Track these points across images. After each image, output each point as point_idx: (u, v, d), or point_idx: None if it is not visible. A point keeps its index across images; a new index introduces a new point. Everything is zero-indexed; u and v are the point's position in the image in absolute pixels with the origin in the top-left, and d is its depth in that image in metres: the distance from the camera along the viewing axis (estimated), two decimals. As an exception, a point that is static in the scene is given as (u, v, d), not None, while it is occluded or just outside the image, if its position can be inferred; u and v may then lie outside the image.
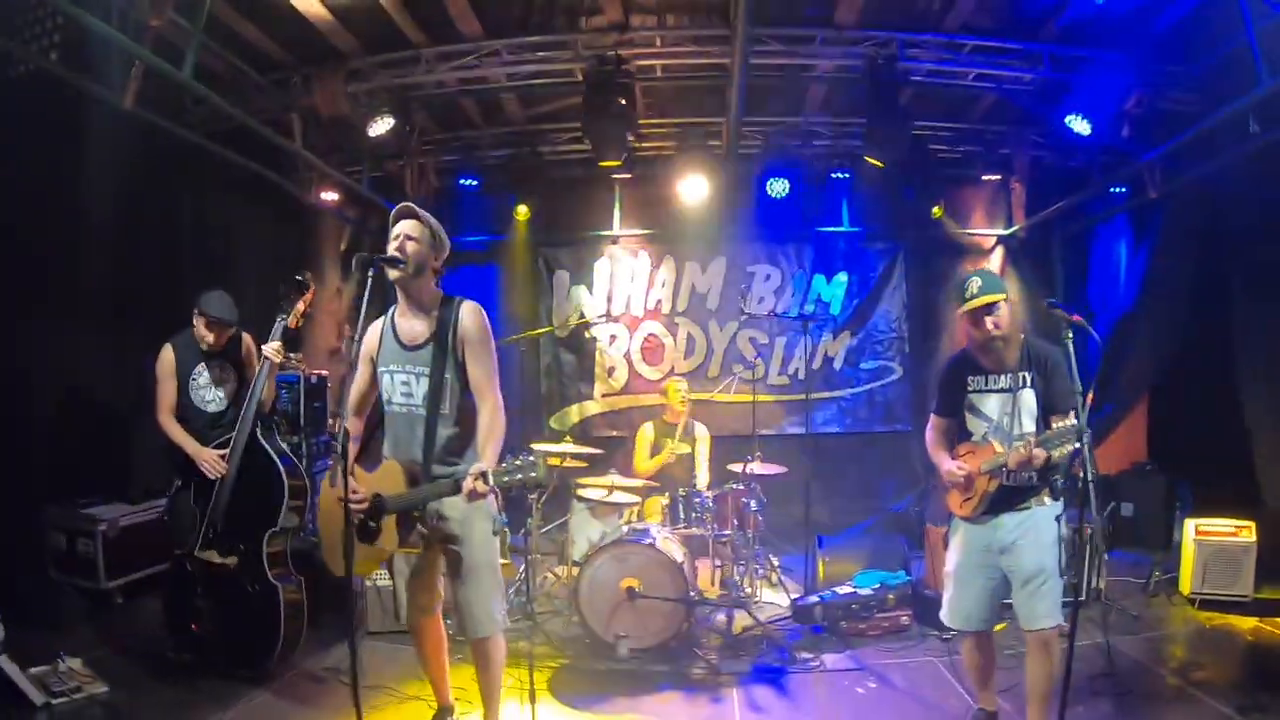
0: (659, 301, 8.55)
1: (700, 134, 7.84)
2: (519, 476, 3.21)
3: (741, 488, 6.08)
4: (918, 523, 7.05)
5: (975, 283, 3.79)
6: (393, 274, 3.51)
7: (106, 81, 5.11)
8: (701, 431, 6.87)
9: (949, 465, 3.94)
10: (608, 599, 5.19)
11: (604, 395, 8.58)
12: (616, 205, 8.58)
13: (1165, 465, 8.13)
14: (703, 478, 6.61)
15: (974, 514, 3.87)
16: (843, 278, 8.51)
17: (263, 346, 4.59)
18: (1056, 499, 3.80)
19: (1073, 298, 8.65)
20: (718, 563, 5.99)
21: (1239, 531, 6.17)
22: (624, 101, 6.44)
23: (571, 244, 8.65)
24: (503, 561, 3.58)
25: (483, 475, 3.19)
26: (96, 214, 5.67)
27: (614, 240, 8.61)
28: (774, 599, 6.22)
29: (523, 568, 5.99)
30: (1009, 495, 3.74)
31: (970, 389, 3.91)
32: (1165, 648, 5.49)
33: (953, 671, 4.99)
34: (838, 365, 8.54)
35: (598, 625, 5.20)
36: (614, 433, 7.32)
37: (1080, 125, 6.34)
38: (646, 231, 8.60)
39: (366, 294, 3.30)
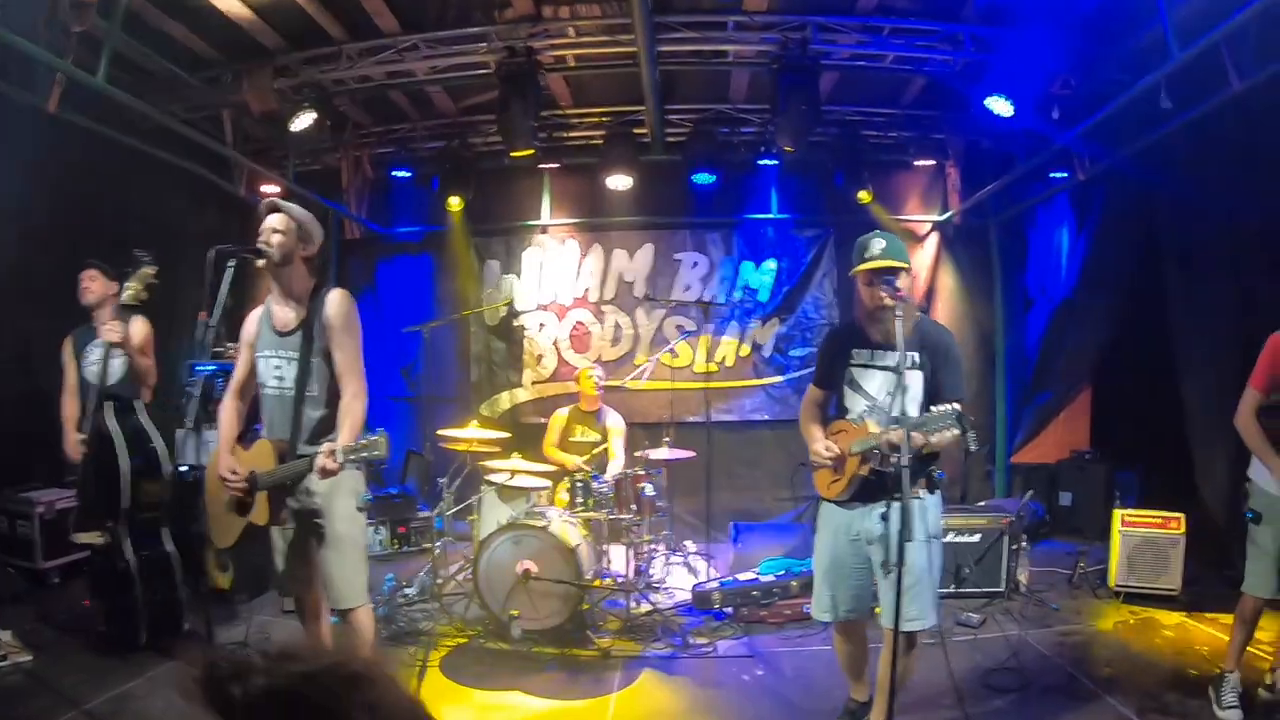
0: (586, 289, 8.53)
1: (627, 123, 7.82)
2: (364, 454, 3.34)
3: (642, 473, 6.08)
4: None
5: (879, 244, 3.49)
6: (261, 265, 3.64)
7: (31, 87, 5.28)
8: (615, 420, 6.90)
9: (818, 444, 3.66)
10: (504, 581, 5.24)
11: (533, 383, 8.58)
12: (546, 195, 8.60)
13: (1107, 454, 8.05)
14: (616, 465, 6.57)
15: (840, 497, 3.63)
16: (771, 265, 8.42)
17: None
18: (934, 491, 3.59)
19: (1011, 285, 8.60)
20: (628, 547, 5.92)
21: (1168, 523, 5.97)
22: (532, 93, 6.47)
23: (502, 233, 8.65)
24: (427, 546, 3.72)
25: (331, 453, 3.32)
26: (39, 213, 5.79)
27: (543, 229, 8.62)
28: (686, 585, 6.21)
29: (438, 549, 6.15)
30: (881, 481, 3.44)
31: (854, 362, 3.64)
32: (1078, 642, 5.32)
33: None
34: (766, 353, 8.45)
35: (495, 606, 5.26)
36: (543, 420, 7.30)
37: (1001, 106, 6.18)
38: (575, 220, 8.60)
39: (225, 285, 3.47)
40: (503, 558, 5.26)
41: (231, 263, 3.48)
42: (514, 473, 5.91)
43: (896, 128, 8.03)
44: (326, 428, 3.63)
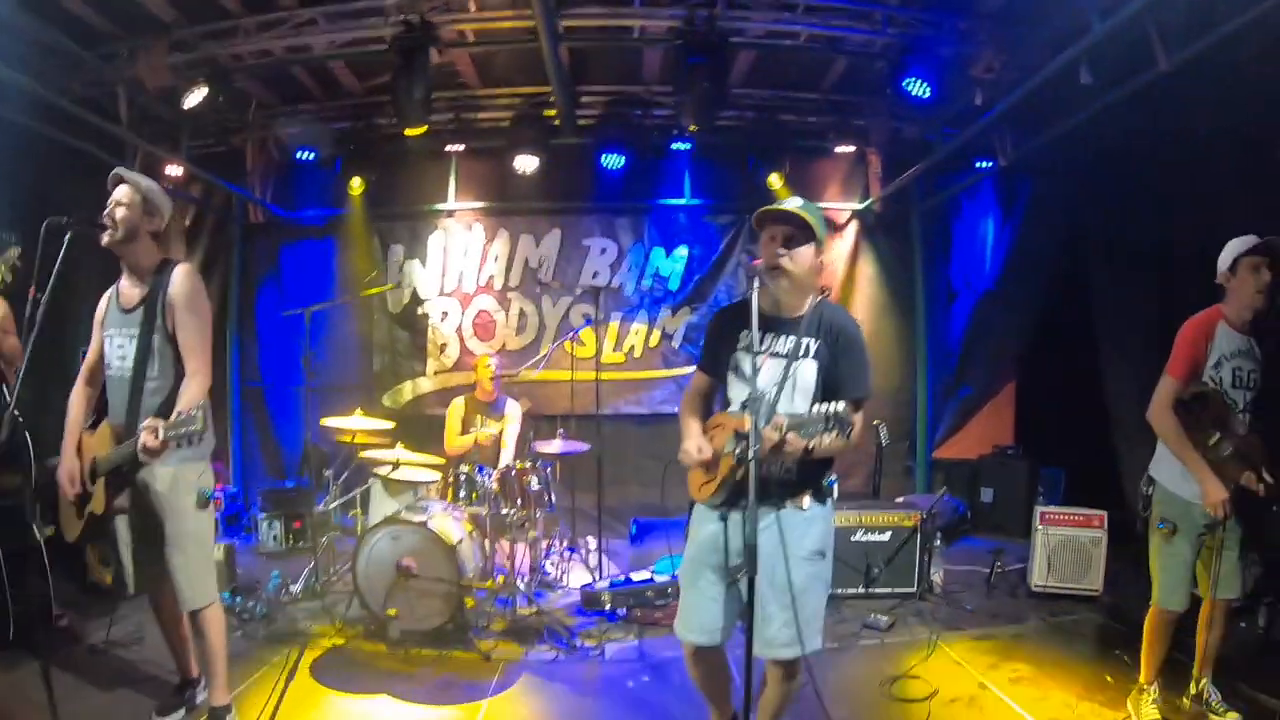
0: (491, 276, 8.22)
1: (537, 104, 7.50)
2: (183, 430, 3.14)
3: (527, 466, 5.79)
4: None
5: (795, 201, 3.12)
6: (105, 240, 3.51)
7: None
8: (513, 409, 6.67)
9: (690, 441, 3.19)
10: (383, 579, 5.00)
11: (436, 372, 8.27)
12: (452, 178, 8.26)
13: (1031, 450, 7.90)
14: (507, 456, 6.32)
15: (712, 501, 3.16)
16: (683, 252, 8.14)
17: None
18: (822, 501, 3.15)
19: (934, 275, 8.39)
20: (512, 543, 5.73)
21: (1089, 521, 5.82)
22: (424, 67, 6.11)
23: (407, 217, 8.30)
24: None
25: (154, 430, 3.14)
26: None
27: (449, 214, 8.29)
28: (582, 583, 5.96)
29: (324, 544, 5.96)
30: (759, 486, 2.85)
31: (741, 345, 3.15)
32: (991, 646, 5.07)
33: (738, 667, 4.55)
34: (676, 343, 8.17)
35: (375, 605, 5.02)
36: (445, 410, 6.71)
37: (919, 89, 5.92)
38: (482, 205, 8.27)
39: (59, 261, 3.25)
40: (381, 555, 5.01)
41: (68, 236, 3.29)
42: (397, 464, 5.63)
43: (816, 113, 7.73)
44: (163, 410, 3.42)
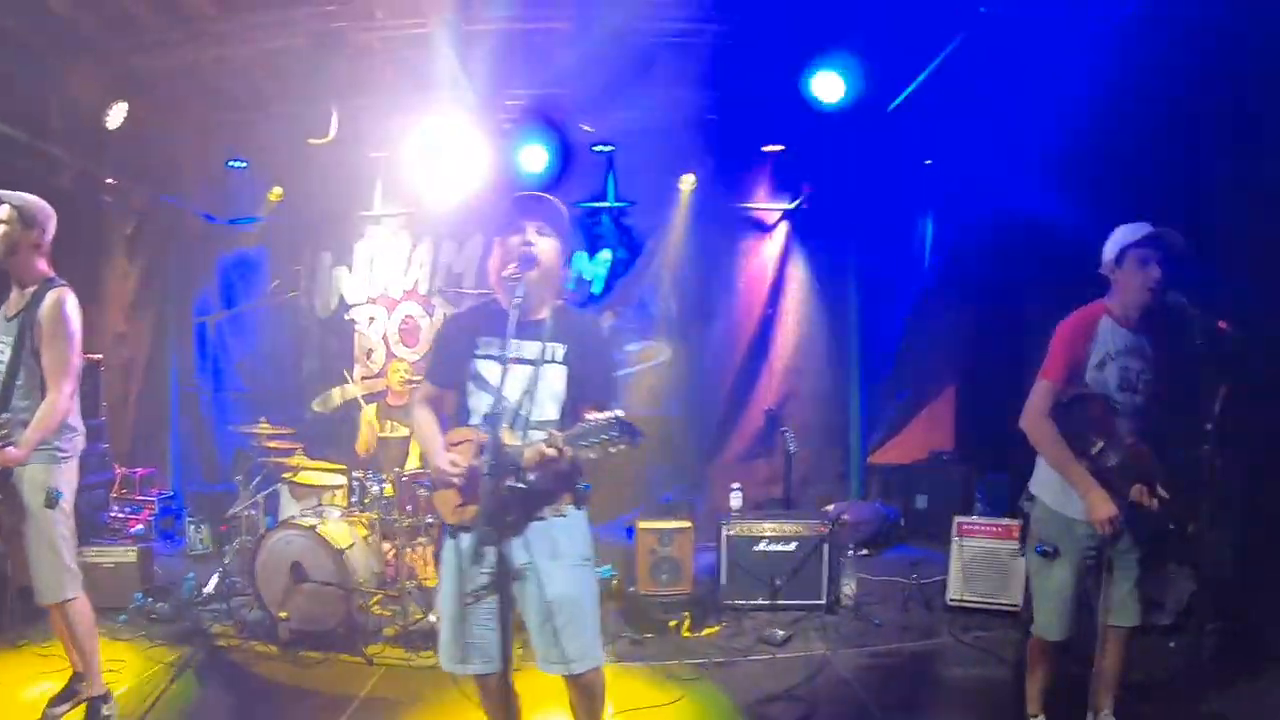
0: (416, 282, 8.25)
1: (461, 107, 7.17)
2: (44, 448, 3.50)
3: (420, 471, 5.72)
4: (689, 513, 6.46)
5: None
6: None
7: None
8: None
9: (440, 458, 2.95)
10: (278, 581, 5.08)
11: (364, 378, 8.23)
12: (378, 184, 8.21)
13: (968, 456, 7.62)
14: (411, 462, 6.27)
15: (468, 522, 2.87)
16: (606, 255, 8.08)
17: None
18: (580, 507, 3.04)
19: (868, 276, 8.14)
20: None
21: (1009, 532, 5.45)
22: (328, 77, 6.19)
23: (334, 224, 8.34)
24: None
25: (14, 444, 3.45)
26: None
27: (375, 220, 8.33)
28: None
29: (235, 547, 5.90)
30: (521, 500, 2.76)
31: (481, 352, 2.96)
32: (889, 665, 4.88)
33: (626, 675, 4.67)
34: None
35: (272, 606, 5.10)
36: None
37: (829, 86, 5.94)
38: (406, 211, 8.27)
39: None
40: (276, 557, 5.10)
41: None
42: (299, 468, 5.79)
43: (743, 111, 7.41)
44: (28, 420, 3.65)
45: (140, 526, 7.06)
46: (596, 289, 8.02)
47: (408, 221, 8.26)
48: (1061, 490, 3.37)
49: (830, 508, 6.80)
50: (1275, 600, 4.53)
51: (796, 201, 8.01)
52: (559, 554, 2.90)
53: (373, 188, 8.20)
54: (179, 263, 8.45)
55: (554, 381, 2.90)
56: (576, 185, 7.83)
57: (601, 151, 7.73)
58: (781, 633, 5.13)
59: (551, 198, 2.98)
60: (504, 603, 2.72)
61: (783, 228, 8.10)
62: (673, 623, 5.34)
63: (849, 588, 5.69)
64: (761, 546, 5.64)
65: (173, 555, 6.81)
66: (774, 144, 7.71)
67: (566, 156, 7.35)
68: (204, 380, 8.40)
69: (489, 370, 2.90)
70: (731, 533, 5.72)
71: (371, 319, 8.20)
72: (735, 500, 6.66)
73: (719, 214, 7.96)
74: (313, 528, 5.06)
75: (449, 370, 3.06)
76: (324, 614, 5.00)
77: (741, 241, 8.03)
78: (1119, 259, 3.37)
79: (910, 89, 5.89)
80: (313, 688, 4.49)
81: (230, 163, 7.85)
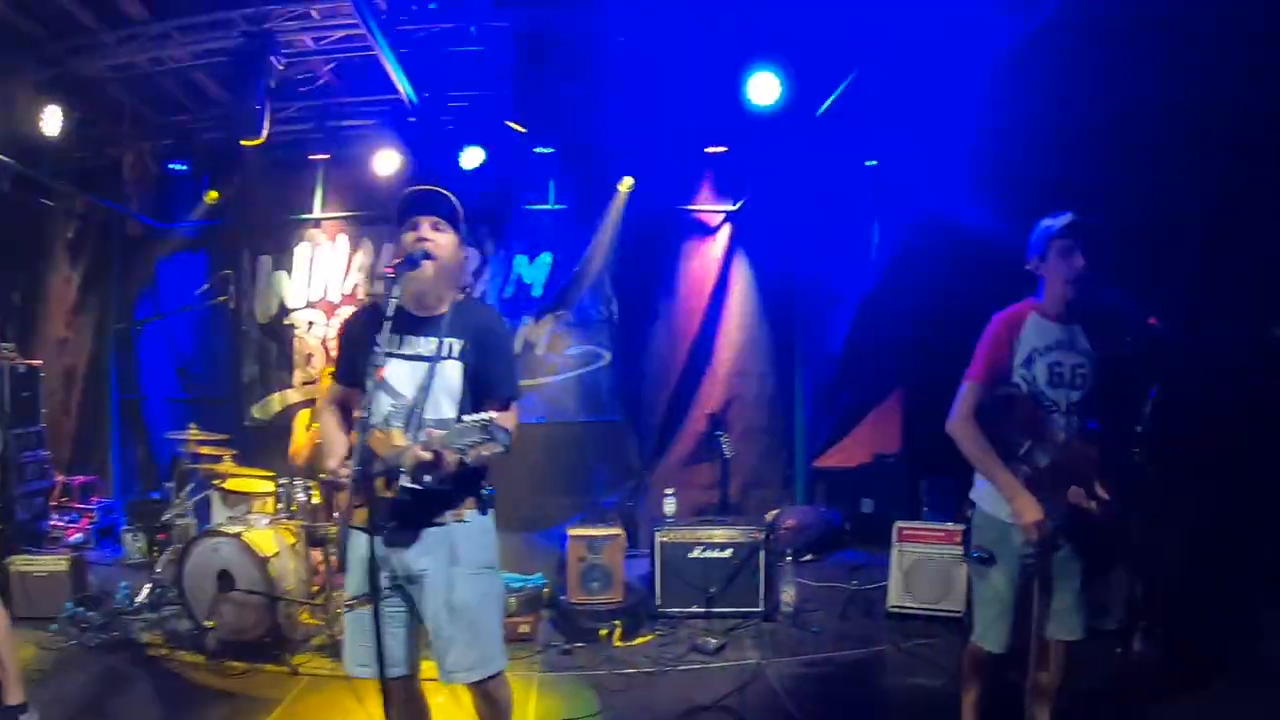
0: (356, 285, 8.15)
1: (399, 110, 7.19)
2: None
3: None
4: (624, 519, 6.42)
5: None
6: None
7: None
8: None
9: (332, 460, 2.95)
10: (205, 589, 5.00)
11: (303, 383, 8.17)
12: (318, 187, 8.18)
13: (915, 459, 7.43)
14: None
15: (367, 523, 2.73)
16: (546, 258, 8.03)
17: None
18: (484, 512, 2.93)
19: (813, 279, 8.06)
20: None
21: (951, 537, 5.34)
22: (256, 78, 6.03)
23: (274, 228, 8.24)
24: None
25: None
26: None
27: (315, 224, 8.23)
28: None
29: (166, 555, 5.76)
30: (418, 504, 2.72)
31: (379, 349, 2.78)
32: (822, 674, 4.75)
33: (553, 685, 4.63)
34: (540, 351, 8.02)
35: (200, 615, 5.04)
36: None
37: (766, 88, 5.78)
38: (346, 214, 8.21)
39: None
40: (203, 565, 5.02)
41: None
42: (228, 474, 5.77)
43: (684, 112, 7.34)
44: None
45: (80, 535, 6.98)
46: (536, 292, 7.98)
47: (347, 225, 8.17)
48: (997, 495, 3.23)
49: (773, 513, 6.78)
50: (1223, 602, 4.52)
51: (739, 203, 7.96)
52: (458, 560, 2.81)
53: (312, 191, 8.17)
54: (120, 267, 8.34)
55: (451, 378, 2.84)
56: (517, 187, 7.88)
57: (542, 154, 7.67)
58: (715, 641, 5.07)
59: (445, 192, 2.90)
60: (393, 608, 2.78)
61: (725, 230, 8.04)
62: (603, 631, 5.28)
63: (788, 594, 5.62)
64: (696, 553, 5.57)
65: (112, 564, 6.68)
66: (716, 145, 7.70)
67: (510, 158, 7.40)
68: (144, 386, 8.29)
69: (386, 368, 2.80)
70: (665, 539, 5.67)
71: (311, 323, 8.12)
72: (669, 506, 6.57)
73: (661, 216, 7.91)
74: (238, 535, 4.98)
75: (351, 368, 2.97)
76: (251, 622, 4.92)
77: (684, 243, 7.96)
78: (1043, 253, 3.30)
79: (835, 95, 5.87)
80: (239, 694, 4.45)
81: (169, 165, 7.74)
